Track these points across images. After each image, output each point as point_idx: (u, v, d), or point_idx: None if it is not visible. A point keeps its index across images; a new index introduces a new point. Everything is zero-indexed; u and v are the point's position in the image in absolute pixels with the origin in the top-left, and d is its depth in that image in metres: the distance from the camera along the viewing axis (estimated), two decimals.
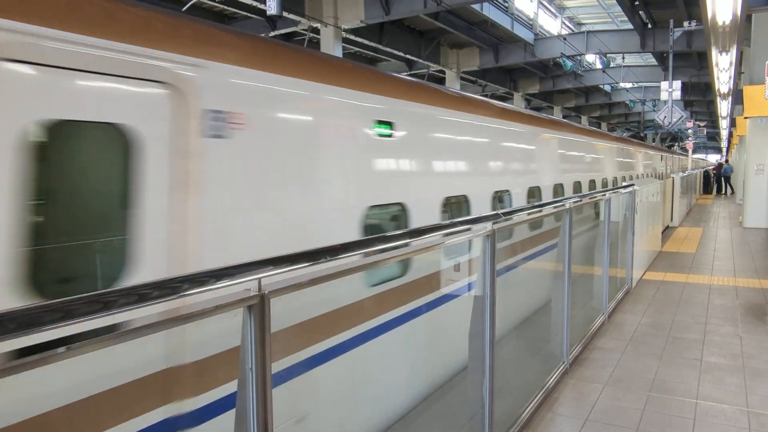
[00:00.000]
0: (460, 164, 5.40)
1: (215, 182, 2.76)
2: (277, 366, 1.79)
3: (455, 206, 5.21)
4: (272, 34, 16.98)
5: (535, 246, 6.87)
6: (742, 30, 10.42)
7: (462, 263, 4.96)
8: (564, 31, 26.12)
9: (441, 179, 5.00)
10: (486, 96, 20.63)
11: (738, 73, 16.17)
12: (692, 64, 25.06)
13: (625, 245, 7.35)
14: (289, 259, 1.80)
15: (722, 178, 30.56)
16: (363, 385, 3.86)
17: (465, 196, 5.33)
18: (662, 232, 12.48)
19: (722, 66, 13.15)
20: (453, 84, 22.69)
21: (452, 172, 5.26)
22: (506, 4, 20.42)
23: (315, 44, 15.91)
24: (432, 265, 4.70)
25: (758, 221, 14.58)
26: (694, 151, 33.30)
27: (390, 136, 4.15)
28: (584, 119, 41.28)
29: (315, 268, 1.91)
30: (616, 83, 31.52)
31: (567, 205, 4.62)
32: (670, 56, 20.19)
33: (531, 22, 23.00)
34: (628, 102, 37.16)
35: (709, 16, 9.20)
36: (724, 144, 44.58)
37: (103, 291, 1.28)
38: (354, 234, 3.66)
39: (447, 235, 2.91)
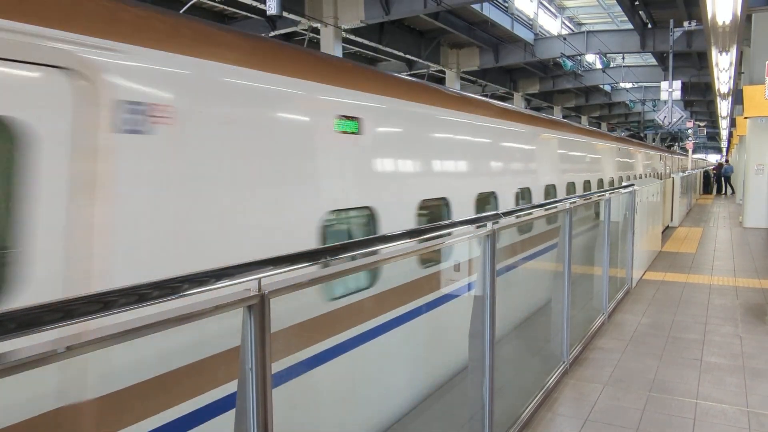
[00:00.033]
0: (439, 164, 5.02)
1: (131, 185, 2.38)
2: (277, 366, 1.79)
3: (433, 209, 4.85)
4: (272, 34, 16.99)
5: (531, 247, 6.79)
6: (742, 30, 10.42)
7: (450, 264, 4.88)
8: (564, 31, 26.13)
9: (417, 180, 4.62)
10: (486, 96, 20.62)
11: (738, 73, 16.17)
12: (692, 64, 25.06)
13: (625, 245, 7.35)
14: (289, 259, 1.80)
15: (722, 178, 30.58)
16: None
17: (445, 199, 4.95)
18: (662, 232, 12.48)
19: (722, 66, 13.16)
20: (453, 84, 22.69)
21: (430, 173, 4.86)
22: (506, 4, 20.43)
23: (315, 44, 15.91)
24: (424, 266, 4.58)
25: (758, 221, 14.58)
26: (694, 151, 33.30)
27: (356, 132, 3.79)
28: (584, 119, 41.29)
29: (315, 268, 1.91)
30: (616, 83, 31.53)
31: (567, 205, 4.63)
32: (670, 56, 20.20)
33: (531, 22, 23.01)
34: (628, 102, 37.17)
35: (709, 16, 9.20)
36: (724, 144, 44.58)
37: (103, 291, 1.28)
38: (310, 241, 3.29)
39: (447, 235, 2.91)
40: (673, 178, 15.03)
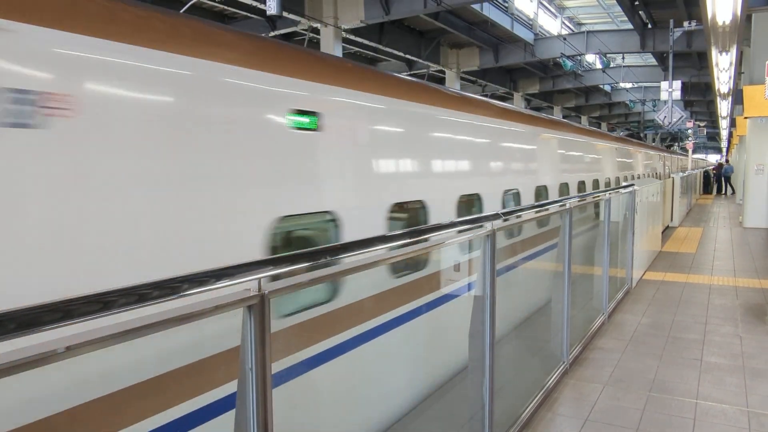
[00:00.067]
0: (415, 164, 4.66)
1: (11, 187, 2.03)
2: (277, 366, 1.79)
3: (408, 213, 4.52)
4: (272, 34, 16.99)
5: (525, 249, 6.68)
6: (742, 30, 10.42)
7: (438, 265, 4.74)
8: (564, 31, 26.12)
9: (389, 182, 4.27)
10: (486, 96, 20.62)
11: (738, 73, 16.17)
12: (692, 64, 25.06)
13: (625, 245, 7.35)
14: (289, 259, 1.80)
15: (722, 178, 30.58)
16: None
17: (421, 202, 4.61)
18: (662, 232, 12.47)
19: (722, 66, 13.16)
20: (453, 84, 22.69)
21: (405, 174, 4.52)
22: (506, 4, 20.43)
23: (315, 44, 15.91)
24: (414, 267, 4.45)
25: (758, 221, 14.58)
26: (694, 152, 33.31)
27: (315, 129, 3.40)
28: (584, 119, 41.29)
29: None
30: (616, 83, 31.53)
31: (567, 205, 4.63)
32: (670, 56, 20.20)
33: (531, 22, 23.00)
34: (628, 102, 37.17)
35: (709, 16, 9.20)
36: (724, 144, 44.59)
37: (103, 291, 1.28)
38: (253, 251, 2.91)
39: (447, 235, 2.91)
40: (673, 178, 15.02)
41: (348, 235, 3.56)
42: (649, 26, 20.63)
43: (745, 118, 14.89)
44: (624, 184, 7.94)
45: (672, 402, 4.17)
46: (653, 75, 28.59)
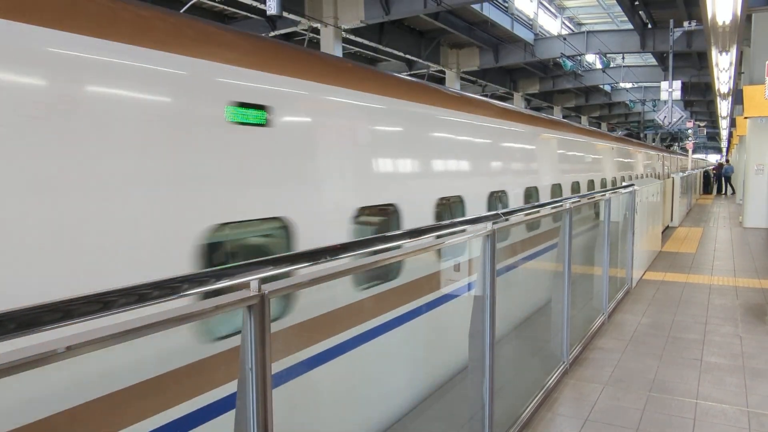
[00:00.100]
0: (388, 163, 4.25)
1: None
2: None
3: (378, 218, 4.15)
4: (272, 34, 16.99)
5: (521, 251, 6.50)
6: (742, 30, 10.42)
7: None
8: (564, 31, 26.13)
9: (353, 183, 3.84)
10: (486, 96, 20.61)
11: (738, 73, 16.17)
12: (692, 64, 25.07)
13: (625, 245, 7.35)
14: (289, 259, 1.80)
15: (722, 178, 30.59)
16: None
17: (394, 206, 4.21)
18: (662, 232, 12.47)
19: (722, 66, 13.16)
20: (453, 84, 22.69)
21: (373, 174, 4.07)
22: (506, 4, 20.43)
23: (315, 44, 15.91)
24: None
25: (758, 221, 14.59)
26: (694, 151, 33.31)
27: (264, 125, 3.04)
28: (584, 119, 41.29)
29: (315, 268, 1.91)
30: (616, 83, 31.54)
31: (567, 205, 4.63)
32: (670, 56, 20.20)
33: (531, 22, 23.01)
34: (628, 102, 37.18)
35: (709, 16, 9.20)
36: (724, 144, 44.60)
37: (103, 291, 1.28)
38: (181, 264, 2.52)
39: (447, 235, 2.91)
40: (673, 178, 15.02)
41: (303, 244, 3.19)
42: (649, 26, 20.64)
43: (745, 118, 14.90)
44: (621, 185, 7.90)
45: (672, 402, 4.17)
46: (653, 75, 28.59)
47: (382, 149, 4.23)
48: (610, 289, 6.47)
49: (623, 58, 27.42)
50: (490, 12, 18.85)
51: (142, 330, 1.32)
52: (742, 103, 14.95)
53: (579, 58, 24.29)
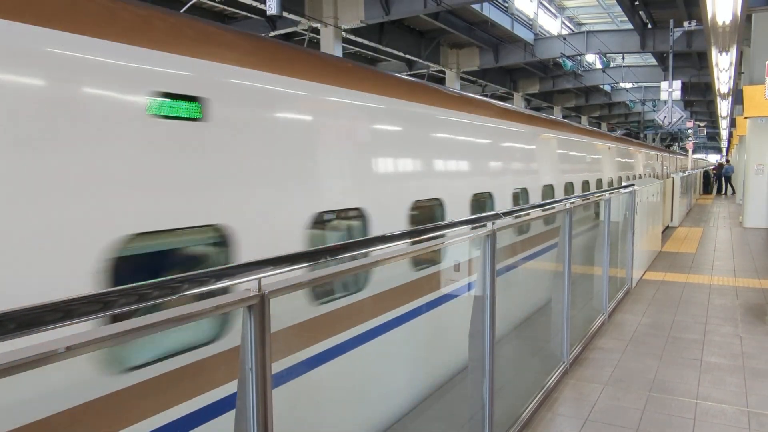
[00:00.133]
0: (351, 163, 3.76)
1: None
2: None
3: (338, 224, 3.75)
4: (272, 34, 17.00)
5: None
6: (742, 30, 10.42)
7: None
8: (564, 31, 26.13)
9: (310, 185, 3.39)
10: (486, 96, 20.60)
11: (738, 73, 16.17)
12: (692, 64, 25.07)
13: (625, 245, 7.35)
14: (289, 259, 1.80)
15: (722, 178, 30.59)
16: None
17: (359, 210, 3.78)
18: (662, 232, 12.47)
19: (722, 66, 13.16)
20: (453, 84, 22.69)
21: (333, 174, 3.60)
22: (506, 4, 20.43)
23: (315, 44, 15.91)
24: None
25: (758, 221, 14.59)
26: (694, 151, 33.31)
27: (198, 119, 2.66)
28: (584, 119, 41.29)
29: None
30: (616, 83, 31.54)
31: (567, 205, 4.63)
32: (670, 56, 20.20)
33: (531, 22, 23.02)
34: (628, 102, 37.19)
35: (709, 16, 9.20)
36: (724, 144, 44.61)
37: (103, 291, 1.28)
38: (84, 281, 2.20)
39: (447, 235, 2.91)
40: (673, 178, 15.02)
41: (245, 255, 2.82)
42: (649, 26, 20.64)
43: (745, 118, 14.90)
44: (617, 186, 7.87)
45: (672, 402, 4.17)
46: (653, 75, 28.59)
47: (344, 148, 3.73)
48: (610, 289, 6.47)
49: (623, 58, 27.43)
50: (490, 12, 18.85)
51: (142, 330, 1.32)
52: (742, 103, 14.95)
53: (579, 58, 24.29)
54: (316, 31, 15.87)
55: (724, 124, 29.62)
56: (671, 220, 15.04)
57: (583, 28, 26.89)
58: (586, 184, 9.91)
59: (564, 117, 35.17)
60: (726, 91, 17.22)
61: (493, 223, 3.12)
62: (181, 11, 10.08)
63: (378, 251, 2.26)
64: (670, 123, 20.96)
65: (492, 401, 3.21)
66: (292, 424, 2.98)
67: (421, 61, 21.30)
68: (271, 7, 12.15)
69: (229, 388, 2.42)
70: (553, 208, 4.77)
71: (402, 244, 2.45)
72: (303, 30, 16.20)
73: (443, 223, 2.96)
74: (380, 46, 18.85)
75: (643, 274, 8.74)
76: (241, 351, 1.60)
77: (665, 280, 8.36)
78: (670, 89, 20.47)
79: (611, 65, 26.63)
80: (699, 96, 31.99)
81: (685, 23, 17.82)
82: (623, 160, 14.44)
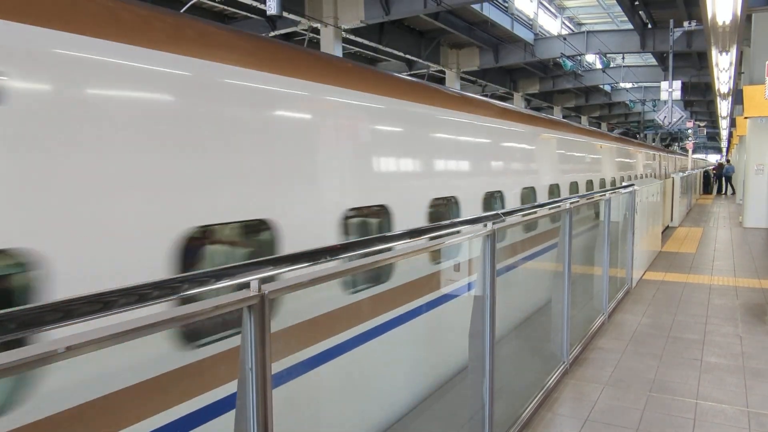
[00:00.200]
0: (248, 158, 2.94)
1: None
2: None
3: (224, 242, 2.93)
4: (272, 34, 17.00)
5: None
6: (742, 30, 10.42)
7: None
8: (564, 31, 26.14)
9: (187, 186, 2.60)
10: (486, 96, 20.60)
11: (738, 73, 16.17)
12: (692, 64, 25.07)
13: (625, 245, 7.36)
14: (289, 259, 1.80)
15: (723, 178, 30.59)
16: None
17: (264, 224, 2.99)
18: (662, 232, 12.47)
19: (722, 66, 13.16)
20: (453, 84, 22.70)
21: (211, 176, 2.71)
22: (506, 4, 20.44)
23: (315, 44, 15.92)
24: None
25: (758, 221, 14.59)
26: (694, 151, 33.31)
27: None
28: (584, 119, 41.30)
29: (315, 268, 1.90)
30: (616, 83, 31.54)
31: (567, 205, 4.63)
32: (670, 56, 20.20)
33: (531, 22, 23.02)
34: (628, 102, 37.20)
35: (709, 16, 9.20)
36: (724, 144, 44.62)
37: (103, 291, 1.28)
38: None
39: (447, 235, 2.91)
40: (672, 178, 15.02)
41: (59, 290, 2.05)
42: (649, 26, 20.64)
43: (745, 118, 14.90)
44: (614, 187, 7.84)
45: (672, 402, 4.17)
46: (653, 75, 28.60)
47: (237, 143, 2.90)
48: (610, 289, 6.48)
49: (623, 58, 27.44)
50: (490, 12, 18.86)
51: (142, 330, 1.32)
52: (742, 103, 14.95)
53: (579, 58, 24.30)
54: (316, 31, 15.87)
55: (724, 124, 29.62)
56: (671, 220, 15.04)
57: (583, 28, 26.90)
58: (574, 186, 9.35)
59: (564, 117, 35.17)
60: (726, 91, 17.22)
61: (493, 223, 3.12)
62: (182, 11, 10.07)
63: (378, 251, 2.26)
64: (670, 123, 20.97)
65: (492, 401, 3.21)
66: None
67: (421, 61, 21.30)
68: (271, 7, 12.16)
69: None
70: (553, 208, 4.77)
71: (402, 244, 2.46)
72: (303, 30, 16.20)
73: (443, 223, 2.96)
74: (380, 46, 18.86)
75: (643, 274, 8.74)
76: (241, 351, 1.60)
77: (665, 280, 8.36)
78: (670, 89, 20.47)
79: (611, 65, 26.64)
80: (699, 96, 32.00)
81: (685, 23, 17.82)
82: (619, 161, 14.31)
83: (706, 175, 31.40)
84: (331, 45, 15.42)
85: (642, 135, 40.89)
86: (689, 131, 31.10)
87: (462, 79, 24.16)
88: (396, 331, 4.05)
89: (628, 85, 34.52)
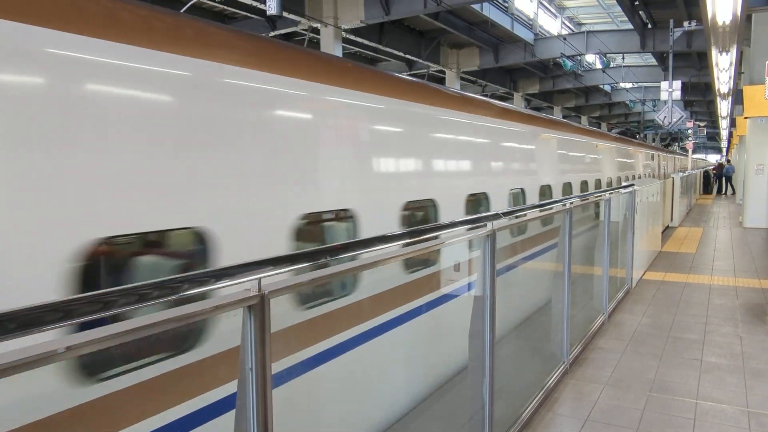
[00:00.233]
0: (192, 159, 2.66)
1: None
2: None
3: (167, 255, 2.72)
4: (272, 34, 17.00)
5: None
6: (742, 30, 10.42)
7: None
8: (564, 31, 26.14)
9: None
10: (486, 96, 20.59)
11: (738, 73, 16.17)
12: (692, 64, 25.07)
13: (625, 245, 7.35)
14: (289, 259, 1.80)
15: (723, 178, 30.58)
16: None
17: (200, 233, 2.65)
18: (662, 232, 12.46)
19: (722, 66, 13.16)
20: (453, 84, 22.69)
21: (120, 178, 2.34)
22: (506, 4, 20.44)
23: (315, 44, 15.91)
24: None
25: (758, 221, 14.59)
26: (694, 151, 33.30)
27: None
28: (584, 119, 41.29)
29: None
30: (616, 83, 31.54)
31: (567, 205, 4.63)
32: (670, 56, 20.20)
33: (531, 22, 23.02)
34: (628, 102, 37.19)
35: (709, 16, 9.20)
36: (724, 144, 44.61)
37: (103, 291, 1.28)
38: None
39: (447, 235, 2.91)
40: (673, 178, 15.01)
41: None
42: (649, 26, 20.64)
43: (745, 118, 14.90)
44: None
45: (672, 402, 4.17)
46: (653, 75, 28.59)
47: (190, 137, 2.66)
48: (610, 289, 6.48)
49: (623, 58, 27.44)
50: (490, 12, 18.85)
51: (142, 330, 1.32)
52: (742, 103, 14.95)
53: (579, 58, 24.29)
54: (316, 31, 15.87)
55: (724, 124, 29.62)
56: (671, 220, 15.04)
57: (583, 28, 26.90)
58: (567, 187, 8.92)
59: (564, 117, 35.16)
60: (726, 91, 17.22)
61: (493, 223, 3.12)
62: (182, 11, 10.07)
63: (378, 251, 2.26)
64: (670, 123, 20.96)
65: (492, 401, 3.21)
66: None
67: (421, 61, 21.30)
68: (271, 7, 12.15)
69: None
70: (553, 208, 4.77)
71: (402, 244, 2.45)
72: (303, 30, 16.20)
73: (443, 223, 2.96)
74: (380, 46, 18.86)
75: (643, 274, 8.74)
76: (241, 351, 1.60)
77: (665, 280, 8.36)
78: (670, 89, 20.47)
79: (611, 65, 26.64)
80: (699, 96, 31.99)
81: (685, 23, 17.82)
82: (621, 161, 14.29)
83: (706, 175, 31.39)
84: (331, 45, 15.42)
85: (642, 135, 40.88)
86: (689, 131, 31.10)
87: (462, 79, 24.16)
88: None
89: (628, 85, 34.52)
